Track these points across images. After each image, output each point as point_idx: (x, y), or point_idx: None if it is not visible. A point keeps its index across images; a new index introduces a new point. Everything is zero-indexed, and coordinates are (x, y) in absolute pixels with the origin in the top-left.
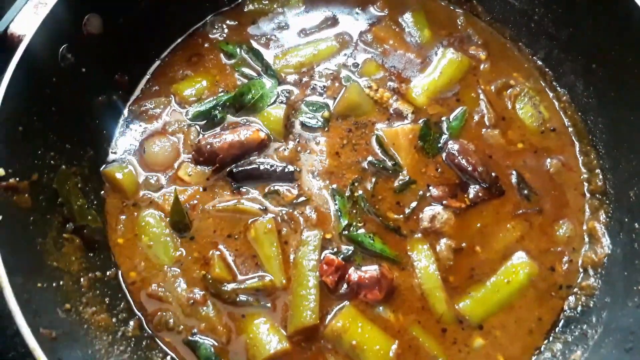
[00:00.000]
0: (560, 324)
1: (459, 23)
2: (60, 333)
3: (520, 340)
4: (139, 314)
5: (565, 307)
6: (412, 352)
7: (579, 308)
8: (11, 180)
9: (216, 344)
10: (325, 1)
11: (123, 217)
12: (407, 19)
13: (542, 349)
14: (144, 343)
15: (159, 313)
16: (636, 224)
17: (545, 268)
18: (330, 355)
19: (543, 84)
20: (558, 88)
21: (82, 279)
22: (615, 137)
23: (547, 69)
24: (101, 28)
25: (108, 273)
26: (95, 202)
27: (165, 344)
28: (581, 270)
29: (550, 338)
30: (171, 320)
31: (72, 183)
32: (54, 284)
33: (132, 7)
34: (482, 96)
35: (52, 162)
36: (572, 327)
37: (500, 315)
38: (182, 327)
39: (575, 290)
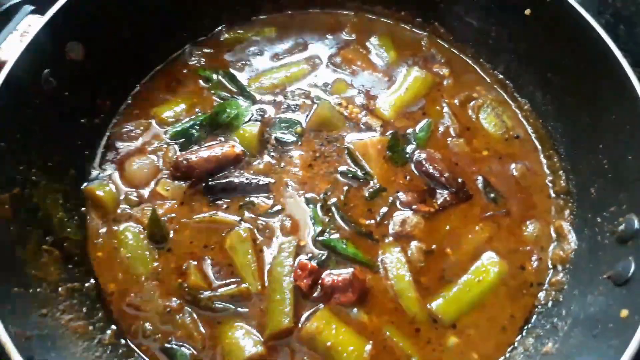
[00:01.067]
0: (532, 320)
1: (423, 44)
2: (34, 334)
3: (494, 337)
4: (115, 326)
5: (537, 304)
6: (386, 353)
7: (550, 303)
8: None
9: (193, 350)
10: (297, 29)
11: (103, 230)
12: (374, 42)
13: (515, 344)
14: (120, 351)
15: (136, 322)
16: (598, 218)
17: (515, 267)
18: (306, 357)
19: (505, 95)
20: (519, 98)
21: (60, 288)
22: (574, 139)
23: (508, 81)
24: (83, 55)
25: (87, 285)
26: (75, 218)
27: (142, 352)
28: (550, 267)
29: (523, 333)
30: (148, 329)
31: (52, 197)
32: (30, 290)
33: (113, 36)
34: (446, 109)
35: (33, 177)
36: (543, 321)
37: (473, 314)
38: (159, 335)
39: (546, 286)
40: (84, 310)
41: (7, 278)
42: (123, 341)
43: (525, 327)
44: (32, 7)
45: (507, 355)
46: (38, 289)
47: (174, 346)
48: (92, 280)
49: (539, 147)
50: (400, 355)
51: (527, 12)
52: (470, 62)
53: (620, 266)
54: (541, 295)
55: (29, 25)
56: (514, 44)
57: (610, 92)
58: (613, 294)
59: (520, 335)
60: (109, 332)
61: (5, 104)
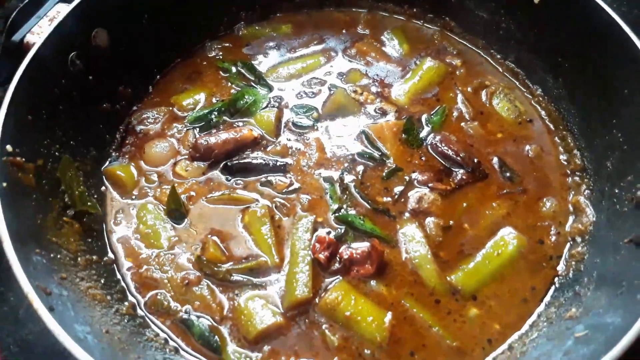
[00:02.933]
0: (554, 290)
1: (435, 38)
2: (54, 292)
3: (515, 308)
4: (133, 299)
5: (557, 275)
6: (407, 323)
7: (571, 274)
8: (18, 158)
9: (211, 321)
10: (312, 26)
11: (122, 207)
12: (387, 36)
13: (537, 314)
14: (137, 321)
15: (154, 295)
16: (616, 189)
17: (534, 241)
18: (324, 328)
19: (517, 83)
20: (530, 85)
21: (79, 258)
22: (587, 118)
23: (519, 70)
24: (108, 42)
25: (105, 258)
26: (95, 195)
27: (159, 323)
28: (570, 240)
29: (545, 303)
30: (165, 301)
31: (74, 171)
32: (51, 255)
33: (137, 27)
34: (460, 96)
35: (56, 153)
36: (565, 291)
37: (493, 286)
38: (176, 307)
39: (566, 258)
40: (102, 281)
41: (29, 241)
42: (140, 312)
43: (547, 298)
44: None
45: (530, 323)
46: (58, 255)
47: (192, 317)
48: (111, 255)
49: (553, 128)
50: (421, 326)
51: (536, 0)
52: (481, 53)
53: None
54: (561, 267)
55: (58, 12)
56: (523, 34)
57: (621, 68)
58: (636, 255)
59: (542, 306)
60: (126, 303)
61: (34, 80)
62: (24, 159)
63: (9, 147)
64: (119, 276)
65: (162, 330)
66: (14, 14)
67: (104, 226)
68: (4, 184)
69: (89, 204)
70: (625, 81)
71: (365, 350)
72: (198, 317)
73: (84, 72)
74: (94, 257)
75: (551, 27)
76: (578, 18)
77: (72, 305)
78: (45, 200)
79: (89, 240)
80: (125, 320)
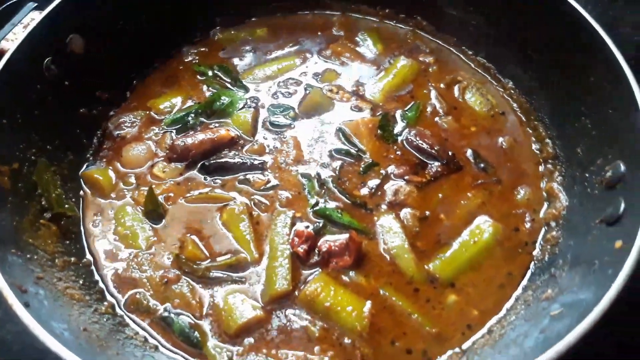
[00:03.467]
0: (529, 274)
1: (408, 37)
2: (30, 290)
3: (493, 294)
4: (112, 299)
5: (533, 260)
6: (386, 312)
7: (546, 257)
8: None
9: (191, 318)
10: (287, 29)
11: (100, 210)
12: (361, 36)
13: (515, 297)
14: (116, 320)
15: (133, 294)
16: (586, 173)
17: (509, 229)
18: (305, 320)
19: (488, 77)
20: (502, 78)
21: (56, 260)
22: (557, 108)
23: (490, 64)
24: (83, 48)
25: (83, 260)
26: (73, 198)
27: (139, 322)
28: (544, 225)
29: (522, 288)
30: (145, 300)
31: (50, 174)
32: (27, 256)
33: (112, 33)
34: (433, 92)
35: (32, 157)
36: (541, 274)
37: (471, 274)
38: (156, 305)
39: (540, 243)
40: (81, 281)
41: (4, 241)
42: (120, 311)
43: (524, 282)
44: (35, 4)
45: (508, 307)
46: (35, 256)
47: (172, 314)
48: (89, 256)
49: (524, 120)
50: (401, 314)
51: None
52: (453, 50)
53: (611, 208)
54: (537, 251)
55: (32, 19)
56: (493, 29)
57: (587, 58)
58: (607, 234)
59: (519, 290)
60: (105, 303)
61: (8, 84)
62: None
63: None
64: (97, 277)
65: (142, 328)
66: None
67: (82, 228)
68: None
69: (66, 206)
70: (591, 70)
71: (346, 340)
72: (178, 314)
73: (59, 77)
74: (72, 258)
75: (520, 21)
76: (545, 12)
77: (49, 304)
78: (22, 203)
79: (67, 242)
80: (104, 319)
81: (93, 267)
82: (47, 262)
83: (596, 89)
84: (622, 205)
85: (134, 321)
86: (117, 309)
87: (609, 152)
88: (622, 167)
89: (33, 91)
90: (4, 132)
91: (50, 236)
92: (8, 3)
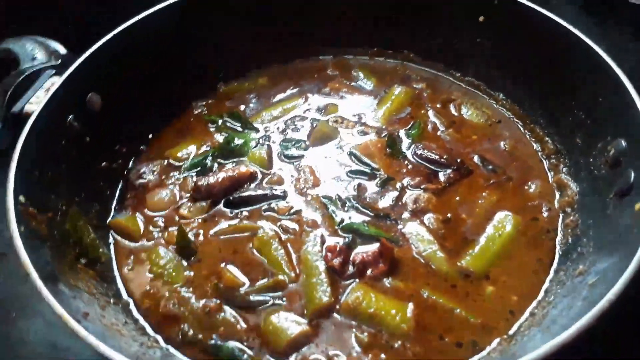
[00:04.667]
0: (558, 257)
1: (398, 69)
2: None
3: (528, 280)
4: (156, 334)
5: (558, 244)
6: (429, 310)
7: (570, 240)
8: (30, 209)
9: (238, 343)
10: (286, 76)
11: (132, 257)
12: (355, 73)
13: (549, 280)
14: (164, 352)
15: (176, 328)
16: (590, 158)
17: (528, 219)
18: (351, 328)
19: (480, 93)
20: (493, 92)
21: (98, 301)
22: (549, 108)
23: (479, 82)
24: (101, 106)
25: (122, 301)
26: (104, 245)
27: (187, 354)
28: (561, 212)
29: (554, 270)
30: (190, 332)
31: (83, 222)
32: (72, 295)
33: (126, 93)
34: (431, 111)
35: (63, 207)
36: (569, 255)
37: (502, 264)
38: (200, 336)
39: (561, 229)
40: (123, 320)
41: (52, 279)
42: (165, 347)
43: (554, 265)
44: (54, 71)
45: (545, 290)
46: (79, 295)
47: (219, 342)
48: (127, 298)
49: (521, 124)
50: (444, 311)
51: (481, 19)
52: (443, 74)
53: (621, 180)
54: (559, 236)
55: (53, 83)
56: (477, 49)
57: (570, 58)
58: (623, 203)
59: (551, 273)
60: (151, 338)
61: (36, 140)
62: (35, 210)
63: (21, 198)
64: (137, 316)
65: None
66: (11, 88)
67: (117, 272)
68: (22, 228)
69: (100, 250)
70: (573, 68)
71: (397, 342)
72: (225, 341)
73: (81, 133)
74: (112, 299)
75: (501, 38)
76: (520, 24)
77: (98, 337)
78: (59, 248)
79: (105, 285)
80: (152, 352)
81: (132, 307)
82: (90, 301)
83: (583, 83)
84: (632, 175)
85: (181, 352)
86: (162, 342)
87: (607, 134)
88: (624, 143)
89: (58, 147)
90: (36, 185)
91: (89, 279)
92: (28, 73)
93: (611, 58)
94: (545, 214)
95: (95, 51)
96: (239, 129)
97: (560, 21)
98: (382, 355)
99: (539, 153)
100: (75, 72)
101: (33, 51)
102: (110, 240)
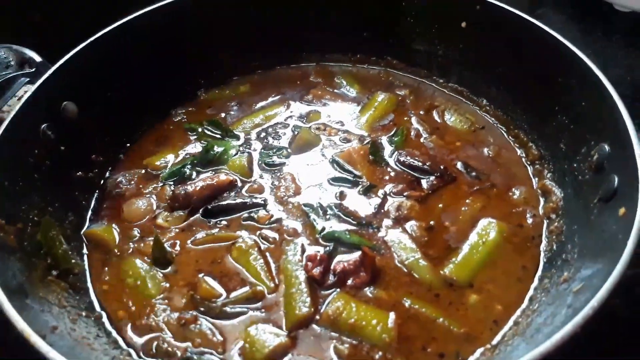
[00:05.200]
0: (542, 264)
1: (381, 76)
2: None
3: (512, 288)
4: (130, 348)
5: (543, 251)
6: (412, 321)
7: (555, 246)
8: None
9: (214, 355)
10: (269, 83)
11: (106, 268)
12: (338, 80)
13: (533, 288)
14: None
15: (150, 340)
16: (574, 163)
17: (513, 226)
18: (331, 340)
19: (463, 99)
20: (476, 98)
21: (69, 314)
22: (533, 113)
23: (462, 88)
24: (76, 114)
25: (95, 314)
26: (78, 256)
27: None
28: (546, 219)
29: (538, 277)
30: (164, 345)
31: (55, 232)
32: (41, 308)
33: (103, 101)
34: (414, 118)
35: (35, 218)
36: (554, 262)
37: (487, 272)
38: (175, 349)
39: (546, 235)
40: (95, 333)
41: (19, 293)
42: (137, 359)
43: (539, 273)
44: (27, 79)
45: (529, 298)
46: (48, 309)
47: (194, 355)
48: (100, 310)
49: (505, 130)
50: (427, 321)
51: (463, 24)
52: (426, 81)
53: (605, 185)
54: (544, 243)
55: (25, 91)
56: (460, 56)
57: (552, 62)
58: (607, 208)
59: (536, 280)
60: (124, 352)
61: (7, 149)
62: (3, 221)
63: None
64: (111, 328)
65: None
66: None
67: (90, 284)
68: None
69: (72, 261)
70: (556, 73)
71: (378, 354)
72: (201, 353)
73: (56, 142)
74: (84, 312)
75: (482, 43)
76: (502, 29)
77: (66, 352)
78: (30, 261)
79: (77, 297)
80: None
81: (105, 320)
82: (60, 315)
83: (565, 87)
84: (616, 179)
85: None
86: (135, 355)
87: (591, 139)
88: (607, 148)
89: (31, 156)
90: (6, 195)
91: (60, 291)
92: (1, 80)
93: (598, 66)
94: (530, 220)
95: (70, 59)
96: (219, 136)
97: (542, 26)
98: None
99: (523, 159)
100: (49, 79)
101: (7, 59)
102: (85, 251)
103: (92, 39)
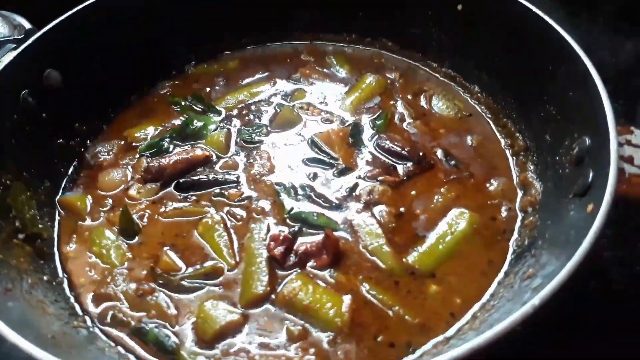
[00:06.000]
0: (510, 260)
1: (374, 57)
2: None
3: (475, 282)
4: (85, 314)
5: (512, 246)
6: (368, 307)
7: (526, 241)
8: None
9: (166, 328)
10: (258, 60)
11: (74, 235)
12: (329, 60)
13: (497, 282)
14: (89, 333)
15: (107, 308)
16: (556, 157)
17: (486, 219)
18: (284, 321)
19: (455, 86)
20: (468, 84)
21: (29, 278)
22: (522, 102)
23: (455, 73)
24: (61, 83)
25: (57, 279)
26: (48, 221)
27: (111, 335)
28: (521, 212)
29: (504, 273)
30: (120, 314)
31: (25, 196)
32: None
33: (88, 69)
34: (400, 102)
35: (8, 182)
36: (523, 257)
37: (451, 264)
38: (130, 318)
39: (519, 229)
40: (53, 298)
41: None
42: (92, 327)
43: (504, 268)
44: (14, 45)
45: (491, 293)
46: (5, 271)
47: (145, 326)
48: (62, 276)
49: (493, 119)
50: (382, 308)
51: (459, 7)
52: (419, 65)
53: (581, 180)
54: (516, 237)
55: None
56: (454, 40)
57: (542, 49)
58: (580, 204)
59: (501, 275)
60: (78, 318)
61: None
62: None
63: None
64: (69, 295)
65: (116, 341)
66: None
67: (57, 250)
68: None
69: (40, 226)
70: (547, 60)
71: (328, 337)
72: (154, 325)
73: (37, 109)
74: (45, 277)
75: (478, 28)
76: (497, 14)
77: (16, 313)
78: None
79: (41, 262)
80: (76, 332)
81: (66, 286)
82: (18, 276)
83: (554, 76)
84: (591, 175)
85: (107, 335)
86: (89, 322)
87: (575, 131)
88: (588, 141)
89: (9, 121)
90: None
91: (23, 255)
92: None
93: (583, 48)
94: (504, 214)
95: (56, 26)
96: (201, 111)
97: (536, 11)
98: (311, 350)
99: (507, 150)
100: (33, 45)
101: None
102: (57, 218)
103: (79, 7)
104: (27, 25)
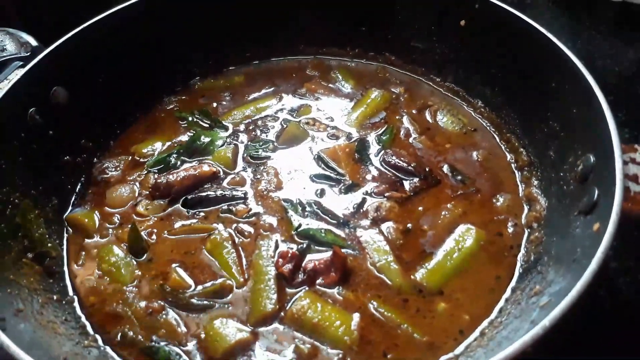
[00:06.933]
0: (517, 276)
1: (378, 72)
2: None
3: (483, 298)
4: (96, 333)
5: (519, 261)
6: (376, 325)
7: (532, 257)
8: None
9: (176, 346)
10: (264, 74)
11: (83, 253)
12: (334, 75)
13: (505, 299)
14: (100, 352)
15: (117, 328)
16: (560, 172)
17: (492, 234)
18: (293, 339)
19: (458, 100)
20: (471, 99)
21: (39, 297)
22: (526, 117)
23: (459, 88)
24: (67, 100)
25: (67, 298)
26: (57, 240)
27: (122, 355)
28: (527, 228)
29: (511, 289)
30: (130, 332)
31: (34, 215)
32: (8, 290)
33: (95, 86)
34: (405, 117)
35: (16, 201)
36: (529, 273)
37: (459, 281)
38: (140, 337)
39: (525, 245)
40: (63, 317)
41: None
42: (102, 347)
43: (512, 284)
44: (21, 62)
45: (499, 309)
46: (16, 292)
47: (156, 344)
48: (72, 294)
49: (497, 133)
50: (391, 326)
51: (462, 23)
52: (422, 79)
53: (586, 198)
54: (522, 253)
55: (17, 74)
56: (457, 55)
57: (546, 66)
58: (586, 222)
59: (508, 291)
60: (89, 337)
61: None
62: None
63: None
64: (80, 313)
65: None
66: None
67: (66, 268)
68: None
69: (49, 245)
70: (550, 76)
71: (338, 355)
72: (164, 343)
73: (44, 127)
74: (55, 296)
75: (481, 43)
76: (500, 31)
77: (28, 335)
78: (4, 243)
79: (50, 281)
80: (87, 352)
81: (76, 304)
82: (28, 297)
83: (558, 93)
84: (596, 193)
85: (118, 354)
86: (101, 342)
87: (579, 148)
88: (592, 159)
89: (17, 139)
90: None
91: (33, 274)
92: None
93: (585, 57)
94: (510, 229)
95: (62, 44)
96: (208, 126)
97: (537, 26)
98: None
99: (512, 164)
100: (40, 63)
101: (3, 42)
102: (65, 235)
103: (85, 24)
104: (34, 42)
